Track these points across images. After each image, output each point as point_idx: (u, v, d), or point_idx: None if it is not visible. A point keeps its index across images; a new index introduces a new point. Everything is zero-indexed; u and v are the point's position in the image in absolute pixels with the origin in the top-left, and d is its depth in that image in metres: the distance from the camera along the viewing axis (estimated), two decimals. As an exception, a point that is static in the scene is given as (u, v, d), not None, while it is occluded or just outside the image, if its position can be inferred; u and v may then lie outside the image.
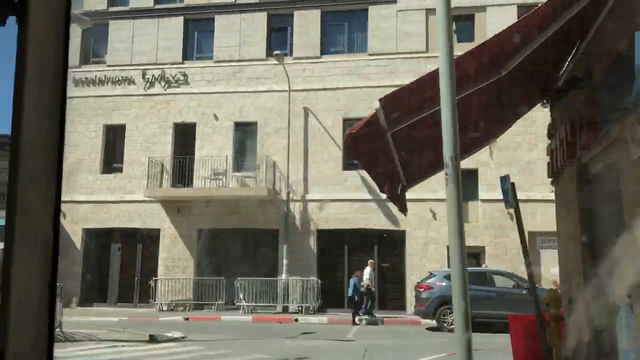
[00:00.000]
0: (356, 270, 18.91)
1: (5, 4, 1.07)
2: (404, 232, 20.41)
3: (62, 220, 21.97)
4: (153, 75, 22.97)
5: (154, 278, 21.35)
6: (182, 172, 22.16)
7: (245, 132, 22.44)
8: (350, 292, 18.26)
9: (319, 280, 19.92)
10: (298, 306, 20.05)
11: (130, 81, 23.18)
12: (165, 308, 21.11)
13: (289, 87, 21.54)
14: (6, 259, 0.99)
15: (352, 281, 18.35)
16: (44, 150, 1.02)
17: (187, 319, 18.58)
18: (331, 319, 18.20)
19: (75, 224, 22.29)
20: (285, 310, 20.02)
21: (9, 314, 0.96)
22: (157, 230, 21.93)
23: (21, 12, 1.04)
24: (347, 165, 21.14)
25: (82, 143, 22.82)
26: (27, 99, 1.02)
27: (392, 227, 20.48)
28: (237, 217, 21.40)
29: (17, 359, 0.96)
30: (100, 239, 22.62)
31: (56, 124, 1.03)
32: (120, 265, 22.18)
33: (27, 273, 0.99)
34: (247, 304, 19.89)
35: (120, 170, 22.71)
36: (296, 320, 18.23)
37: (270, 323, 17.93)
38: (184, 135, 22.81)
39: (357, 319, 17.74)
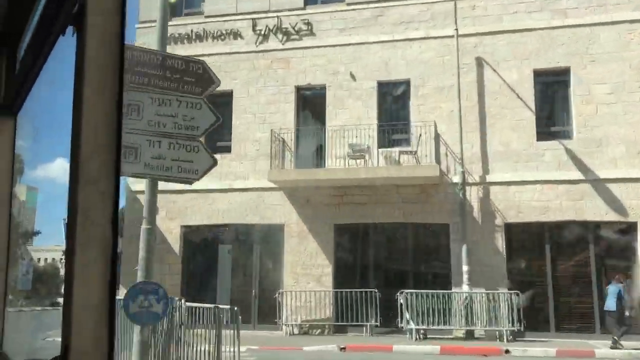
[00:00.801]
0: (615, 275, 13.27)
1: (64, 14, 1.26)
2: (634, 224, 14.47)
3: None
4: (267, 27, 17.64)
5: (279, 290, 16.02)
6: (309, 148, 16.75)
7: (393, 95, 16.88)
8: (611, 304, 12.69)
9: (519, 294, 14.14)
10: (484, 330, 14.35)
11: (237, 35, 17.91)
12: (295, 331, 15.74)
13: (456, 30, 15.87)
14: (68, 260, 1.02)
15: (613, 288, 12.80)
16: (103, 154, 1.05)
17: (343, 348, 13.13)
18: (562, 350, 12.38)
19: (171, 220, 17.17)
20: (469, 335, 14.35)
21: (71, 314, 1.00)
22: (280, 227, 16.58)
23: (79, 21, 1.10)
24: (545, 133, 15.34)
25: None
26: (85, 105, 1.06)
27: (616, 218, 14.56)
28: (389, 209, 15.86)
29: (79, 357, 0.99)
30: (204, 240, 17.43)
31: (114, 128, 1.07)
32: (231, 273, 16.91)
33: (88, 274, 1.02)
34: (416, 326, 14.29)
35: (227, 149, 17.48)
36: (507, 351, 12.57)
37: (468, 356, 12.33)
38: (311, 102, 17.45)
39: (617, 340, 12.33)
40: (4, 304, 2.11)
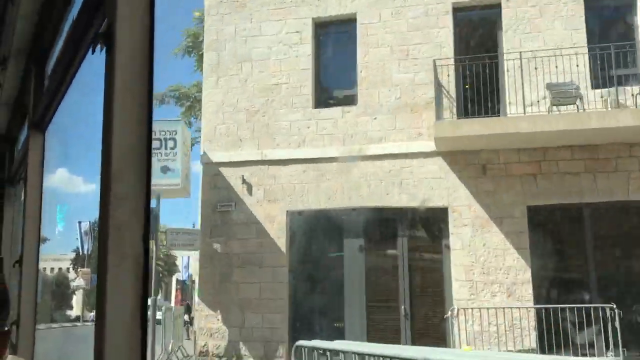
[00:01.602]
0: None
1: (92, 32, 1.34)
2: None
3: (245, 197, 11.52)
4: None
5: (452, 308, 10.48)
6: (478, 92, 11.17)
7: (610, 10, 11.32)
8: None
9: None
10: None
11: (359, -64, 12.40)
12: (477, 369, 10.16)
13: None
14: (100, 277, 1.04)
15: None
16: (133, 171, 1.07)
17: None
18: None
19: (272, 203, 11.71)
20: None
21: (104, 330, 1.01)
22: (442, 211, 11.05)
23: (108, 39, 1.12)
24: None
25: (275, 54, 12.27)
26: (115, 122, 1.07)
27: None
28: (618, 181, 10.31)
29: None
30: (321, 231, 11.92)
31: (144, 145, 1.08)
32: (365, 281, 11.35)
33: (120, 290, 1.02)
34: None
35: (350, 100, 12.00)
36: None
37: None
38: (474, 27, 11.91)
39: None
40: (34, 318, 2.42)
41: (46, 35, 2.21)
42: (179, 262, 64.02)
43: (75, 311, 52.02)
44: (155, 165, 11.40)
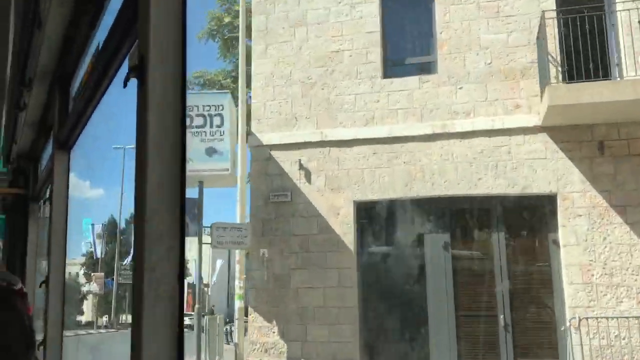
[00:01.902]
0: None
1: (119, 59, 1.43)
2: None
3: (303, 185, 9.57)
4: None
5: (574, 317, 8.49)
6: (583, 52, 9.13)
7: None
8: None
9: None
10: None
11: None
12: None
13: None
14: (136, 319, 1.05)
15: None
16: (167, 209, 1.07)
17: None
18: None
19: (336, 192, 9.76)
20: None
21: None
22: (550, 199, 9.05)
23: (141, 74, 1.12)
24: None
25: (335, 16, 10.33)
26: (150, 161, 1.07)
27: None
28: None
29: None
30: (397, 224, 9.95)
31: (177, 182, 1.09)
32: (453, 283, 9.34)
33: (156, 331, 1.03)
34: None
35: (429, 68, 10.04)
36: None
37: None
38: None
39: None
40: (61, 340, 2.51)
41: (70, 57, 2.37)
42: (190, 266, 62.20)
43: (86, 317, 50.13)
44: (199, 146, 9.48)
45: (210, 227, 9.86)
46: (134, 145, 1.21)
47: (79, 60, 2.46)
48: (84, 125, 2.37)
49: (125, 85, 1.21)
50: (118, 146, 35.76)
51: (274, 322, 9.66)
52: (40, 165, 3.91)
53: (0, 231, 4.70)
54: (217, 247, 9.66)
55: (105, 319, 43.15)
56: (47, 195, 3.60)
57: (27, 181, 4.08)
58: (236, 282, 11.42)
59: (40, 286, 2.86)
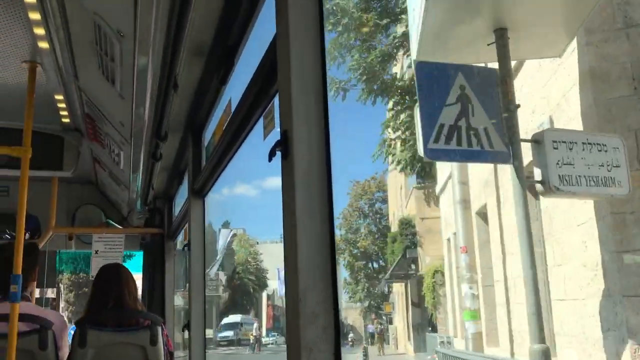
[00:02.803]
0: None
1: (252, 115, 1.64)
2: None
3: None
4: None
5: None
6: None
7: None
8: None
9: None
10: None
11: None
12: None
13: None
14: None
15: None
16: (321, 287, 1.09)
17: None
18: None
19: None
20: None
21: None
22: None
23: (284, 149, 1.17)
24: None
25: None
26: (299, 244, 1.09)
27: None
28: None
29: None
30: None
31: (327, 258, 1.10)
32: None
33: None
34: None
35: None
36: None
37: None
38: None
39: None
40: None
41: (202, 111, 2.60)
42: (269, 275, 61.26)
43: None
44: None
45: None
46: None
47: (209, 113, 2.63)
48: (219, 175, 2.49)
49: (270, 159, 1.24)
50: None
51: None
52: (173, 205, 4.21)
53: (137, 266, 5.02)
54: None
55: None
56: (183, 237, 3.79)
57: (162, 220, 4.46)
58: (463, 287, 8.24)
59: (183, 330, 2.98)
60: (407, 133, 18.35)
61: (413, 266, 24.24)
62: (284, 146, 1.17)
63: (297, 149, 1.14)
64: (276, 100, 1.51)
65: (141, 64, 1.77)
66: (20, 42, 2.31)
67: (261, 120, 1.73)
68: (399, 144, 19.44)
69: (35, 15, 2.03)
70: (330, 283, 1.09)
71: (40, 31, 2.14)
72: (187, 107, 2.64)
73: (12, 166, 3.06)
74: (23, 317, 2.51)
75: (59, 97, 2.86)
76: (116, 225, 4.64)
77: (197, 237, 2.89)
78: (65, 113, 3.09)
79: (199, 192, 2.80)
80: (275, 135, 1.30)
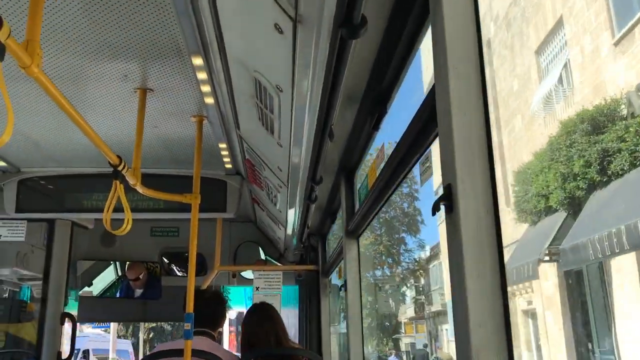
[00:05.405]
0: None
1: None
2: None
3: None
4: None
5: None
6: None
7: None
8: None
9: None
10: None
11: None
12: None
13: None
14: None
15: None
16: (489, 324, 1.05)
17: None
18: None
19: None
20: None
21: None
22: None
23: (449, 203, 1.12)
24: None
25: None
26: (469, 296, 1.05)
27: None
28: None
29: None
30: None
31: (499, 315, 1.05)
32: None
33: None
34: None
35: None
36: None
37: None
38: None
39: None
40: None
41: (354, 154, 2.71)
42: None
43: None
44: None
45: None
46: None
47: (362, 156, 2.70)
48: (373, 217, 2.51)
49: (433, 213, 1.19)
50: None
51: None
52: (327, 243, 4.30)
53: (294, 300, 5.15)
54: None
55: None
56: (337, 274, 3.85)
57: (316, 256, 4.54)
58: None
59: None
60: None
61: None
62: (447, 200, 1.11)
63: (463, 204, 1.07)
64: (434, 146, 1.47)
65: (298, 115, 1.82)
66: (189, 99, 2.52)
67: (417, 166, 1.69)
68: None
69: (202, 75, 2.20)
70: (505, 344, 1.03)
71: (206, 88, 2.32)
72: (340, 151, 2.71)
73: (182, 209, 3.31)
74: (194, 352, 2.66)
75: (222, 145, 3.05)
76: (274, 262, 4.81)
77: (353, 276, 2.92)
78: (228, 160, 3.30)
79: (353, 232, 2.85)
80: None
